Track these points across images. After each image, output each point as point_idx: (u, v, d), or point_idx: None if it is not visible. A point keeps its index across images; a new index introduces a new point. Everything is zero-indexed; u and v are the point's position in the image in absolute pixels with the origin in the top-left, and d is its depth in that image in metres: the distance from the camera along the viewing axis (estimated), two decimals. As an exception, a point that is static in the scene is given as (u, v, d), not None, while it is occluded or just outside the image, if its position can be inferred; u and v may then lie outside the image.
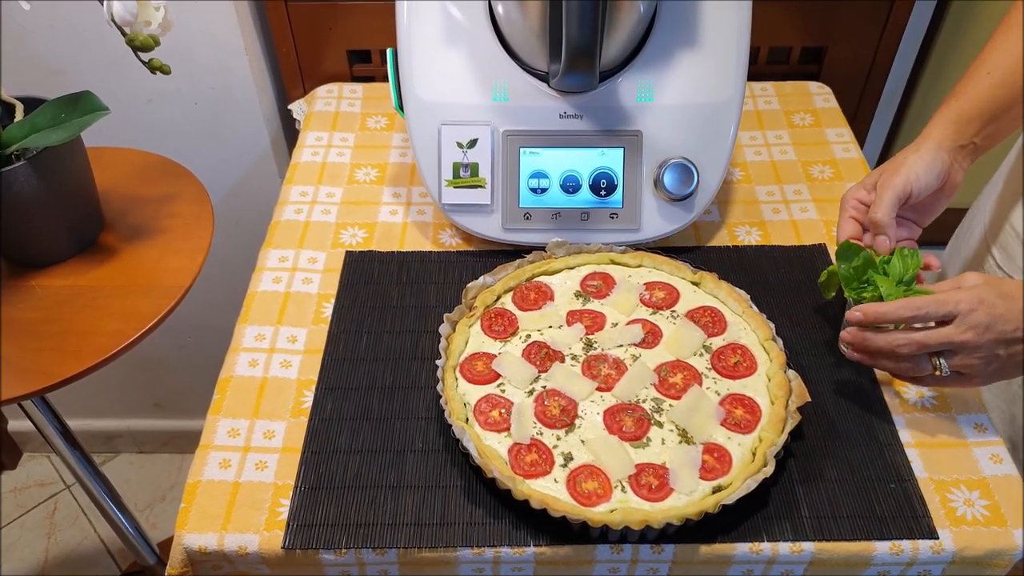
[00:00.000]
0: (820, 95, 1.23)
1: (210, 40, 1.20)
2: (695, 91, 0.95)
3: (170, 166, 1.03)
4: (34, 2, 1.14)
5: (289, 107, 1.30)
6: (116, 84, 1.23)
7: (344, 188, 1.08)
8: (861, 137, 1.39)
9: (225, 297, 1.23)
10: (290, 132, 1.38)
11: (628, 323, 0.87)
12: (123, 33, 0.77)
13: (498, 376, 0.82)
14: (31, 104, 0.87)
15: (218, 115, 1.29)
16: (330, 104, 1.22)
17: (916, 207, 0.84)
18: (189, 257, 0.92)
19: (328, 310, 0.93)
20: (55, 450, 1.11)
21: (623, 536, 0.73)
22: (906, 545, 0.73)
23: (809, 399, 0.78)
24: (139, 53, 0.78)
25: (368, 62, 1.29)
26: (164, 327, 1.36)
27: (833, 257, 0.96)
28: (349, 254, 0.99)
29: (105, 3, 0.75)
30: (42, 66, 1.22)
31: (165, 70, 0.80)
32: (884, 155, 1.59)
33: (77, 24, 1.18)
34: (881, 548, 0.73)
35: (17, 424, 1.86)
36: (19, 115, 0.87)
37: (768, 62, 1.30)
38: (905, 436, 0.81)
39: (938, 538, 0.74)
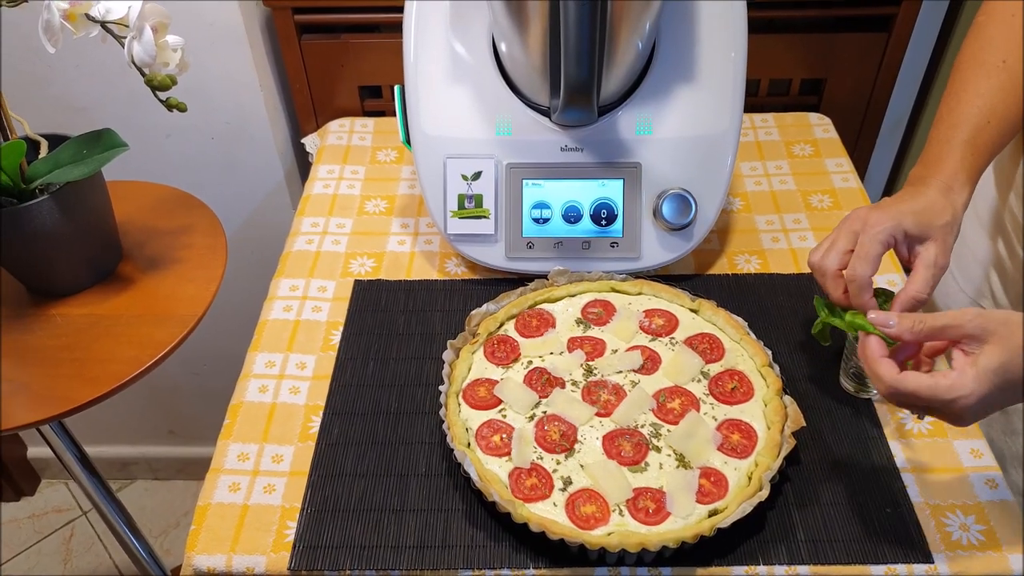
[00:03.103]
0: (820, 126, 1.25)
1: (226, 78, 1.24)
2: (693, 124, 0.97)
3: (186, 199, 1.07)
4: (60, 45, 1.19)
5: (302, 141, 1.34)
6: (136, 120, 1.27)
7: (354, 219, 1.11)
8: (862, 167, 1.41)
9: (239, 325, 1.26)
10: (303, 165, 1.42)
11: (628, 350, 0.89)
12: (142, 74, 0.81)
13: (500, 401, 0.84)
14: (55, 141, 0.91)
15: (234, 149, 1.33)
16: (342, 138, 1.26)
17: None
18: (203, 286, 0.95)
19: (336, 337, 0.96)
20: (73, 476, 1.14)
21: (620, 559, 0.74)
22: (901, 569, 0.74)
23: (804, 424, 0.80)
24: (157, 92, 0.81)
25: (379, 97, 1.33)
26: (178, 355, 1.39)
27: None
28: (358, 283, 1.02)
29: (126, 46, 0.79)
30: (67, 104, 1.27)
31: (181, 108, 0.83)
32: (890, 185, 1.61)
33: (100, 64, 1.22)
34: (877, 572, 0.74)
35: (35, 451, 1.90)
36: (43, 151, 0.91)
37: (768, 94, 1.33)
38: (900, 461, 0.82)
39: (933, 562, 0.74)
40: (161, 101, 0.82)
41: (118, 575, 1.78)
